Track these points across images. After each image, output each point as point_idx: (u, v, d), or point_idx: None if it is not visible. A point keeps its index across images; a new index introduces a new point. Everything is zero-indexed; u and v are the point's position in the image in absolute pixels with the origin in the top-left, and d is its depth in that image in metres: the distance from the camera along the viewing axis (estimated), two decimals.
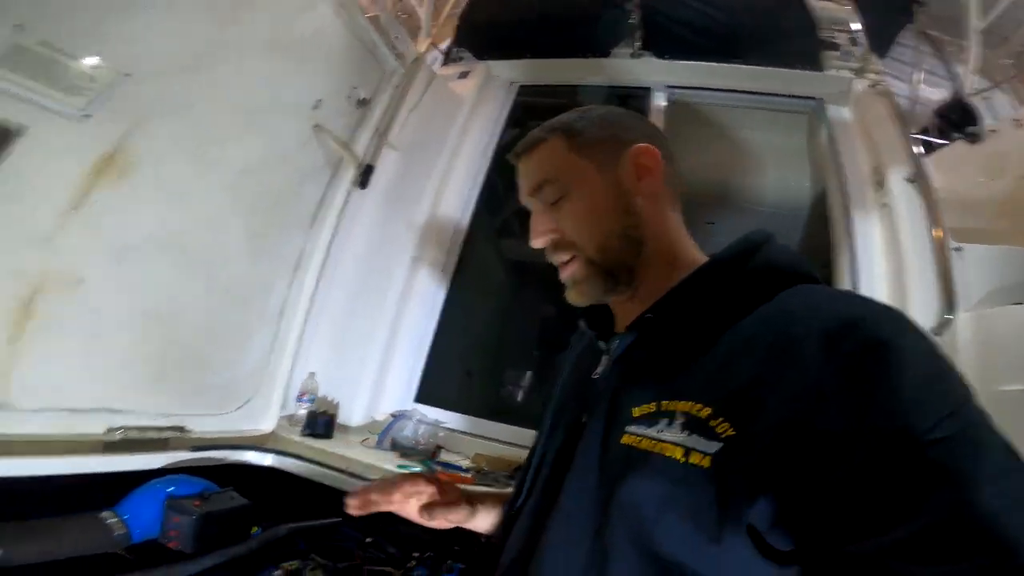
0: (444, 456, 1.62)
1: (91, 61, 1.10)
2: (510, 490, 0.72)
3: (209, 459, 1.35)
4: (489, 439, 1.71)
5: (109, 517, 1.05)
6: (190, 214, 1.31)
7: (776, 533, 0.43)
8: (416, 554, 1.30)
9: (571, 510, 0.56)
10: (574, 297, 0.64)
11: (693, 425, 0.47)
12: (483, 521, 0.76)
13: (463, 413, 1.80)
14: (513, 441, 1.68)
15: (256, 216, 1.47)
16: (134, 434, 1.23)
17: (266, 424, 1.56)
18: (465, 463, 1.57)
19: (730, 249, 0.59)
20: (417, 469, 1.43)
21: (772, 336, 0.48)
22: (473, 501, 0.76)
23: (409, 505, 0.71)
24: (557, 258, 0.64)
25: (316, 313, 1.68)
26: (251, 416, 1.54)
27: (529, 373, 2.07)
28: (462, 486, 0.80)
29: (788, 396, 0.43)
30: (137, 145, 1.18)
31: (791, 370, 0.44)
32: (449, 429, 1.74)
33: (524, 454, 1.67)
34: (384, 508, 0.70)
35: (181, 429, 1.34)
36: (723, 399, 0.47)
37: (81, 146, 1.11)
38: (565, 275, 0.64)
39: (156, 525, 1.08)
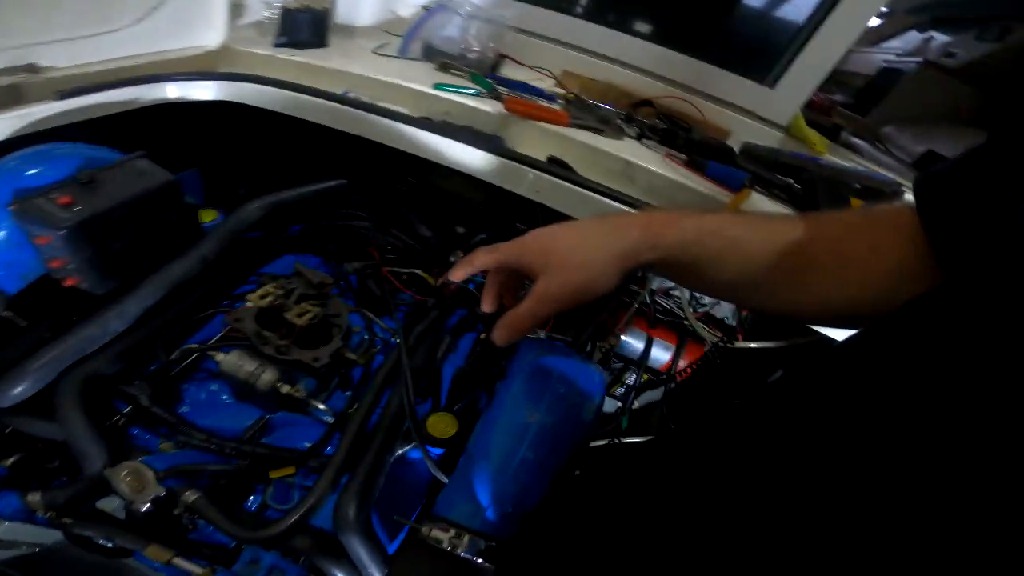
0: (509, 71, 0.99)
1: None
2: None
3: (97, 106, 0.72)
4: (580, 49, 1.05)
5: None
6: None
7: None
8: (472, 234, 0.83)
9: None
10: None
11: None
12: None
13: (540, 5, 1.09)
14: (614, 56, 1.02)
15: None
16: None
17: (208, 37, 0.89)
18: (547, 85, 0.95)
19: None
20: (470, 91, 0.83)
21: None
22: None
23: None
24: None
25: None
26: (171, 28, 0.83)
27: None
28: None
29: None
30: None
31: None
32: (518, 30, 1.06)
33: (633, 77, 1.02)
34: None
35: (32, 68, 0.70)
36: None
37: None
38: None
39: (31, 253, 0.56)
